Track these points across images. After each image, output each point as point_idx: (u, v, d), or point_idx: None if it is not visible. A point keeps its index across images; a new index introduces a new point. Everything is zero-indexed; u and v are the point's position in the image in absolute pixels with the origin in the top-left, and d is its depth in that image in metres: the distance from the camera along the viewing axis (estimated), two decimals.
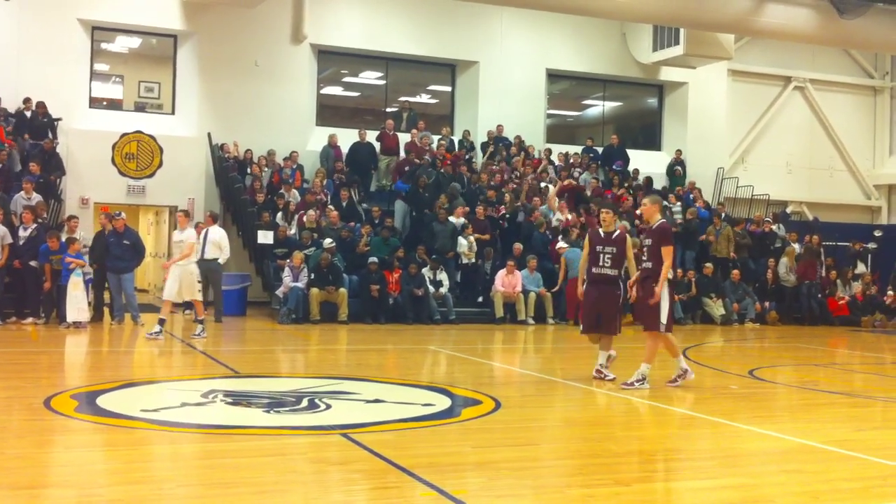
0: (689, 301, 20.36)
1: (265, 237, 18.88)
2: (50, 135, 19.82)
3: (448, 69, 25.52)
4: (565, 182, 22.43)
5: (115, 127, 21.17)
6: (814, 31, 22.77)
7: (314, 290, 17.68)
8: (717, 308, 20.59)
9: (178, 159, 21.46)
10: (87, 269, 16.05)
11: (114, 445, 6.95)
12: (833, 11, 22.08)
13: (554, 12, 22.94)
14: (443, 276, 19.01)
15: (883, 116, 29.71)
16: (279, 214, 19.53)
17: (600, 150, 25.65)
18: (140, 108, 22.59)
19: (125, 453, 6.62)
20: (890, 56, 28.80)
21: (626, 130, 27.49)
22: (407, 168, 21.82)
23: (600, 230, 10.69)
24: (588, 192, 22.58)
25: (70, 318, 15.22)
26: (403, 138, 23.03)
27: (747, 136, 27.94)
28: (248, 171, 21.02)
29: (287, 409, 8.23)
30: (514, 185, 22.30)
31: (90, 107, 21.70)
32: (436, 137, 23.39)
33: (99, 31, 21.90)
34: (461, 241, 19.70)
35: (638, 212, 18.54)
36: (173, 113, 22.38)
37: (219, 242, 17.33)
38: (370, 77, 25.33)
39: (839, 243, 25.40)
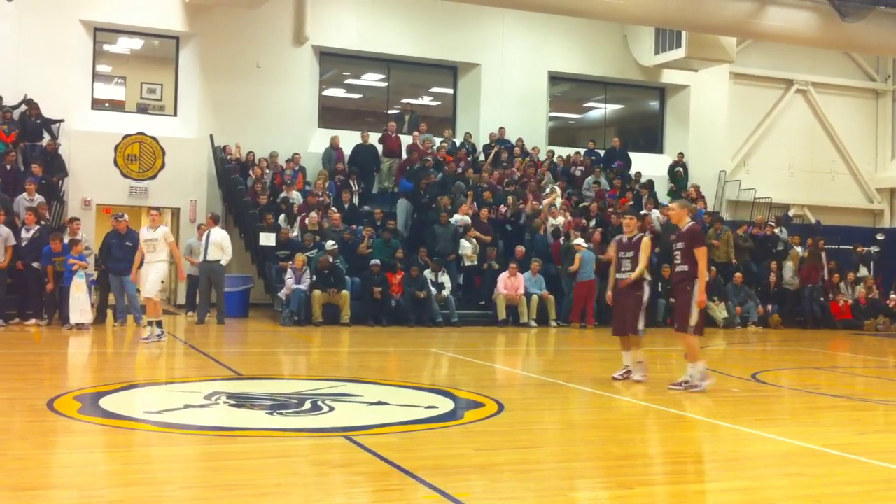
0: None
1: (267, 239, 18.89)
2: (46, 136, 19.82)
3: (450, 71, 25.53)
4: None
5: (118, 128, 21.18)
6: (815, 34, 22.78)
7: (316, 292, 17.68)
8: (719, 311, 20.58)
9: (181, 161, 21.47)
10: (89, 270, 16.05)
11: (116, 447, 6.95)
12: (835, 14, 22.09)
13: (555, 14, 22.96)
14: (445, 279, 19.01)
15: (885, 120, 29.70)
16: (281, 216, 19.53)
17: (602, 152, 25.65)
18: (142, 109, 22.61)
19: (128, 455, 6.63)
20: (892, 59, 28.81)
21: (627, 133, 27.51)
22: (409, 167, 21.84)
23: (624, 237, 10.89)
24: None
25: (73, 319, 15.22)
26: (405, 140, 23.05)
27: (749, 140, 27.94)
28: (250, 172, 21.02)
29: (290, 411, 8.23)
30: (516, 187, 22.25)
31: (92, 108, 21.72)
32: (437, 140, 23.41)
33: (101, 33, 21.92)
34: (464, 243, 19.70)
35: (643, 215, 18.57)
36: (175, 114, 22.40)
37: (221, 244, 17.37)
38: (372, 79, 25.34)
39: (841, 247, 25.38)
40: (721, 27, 22.55)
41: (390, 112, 24.92)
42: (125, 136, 21.06)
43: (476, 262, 19.82)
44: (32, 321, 16.01)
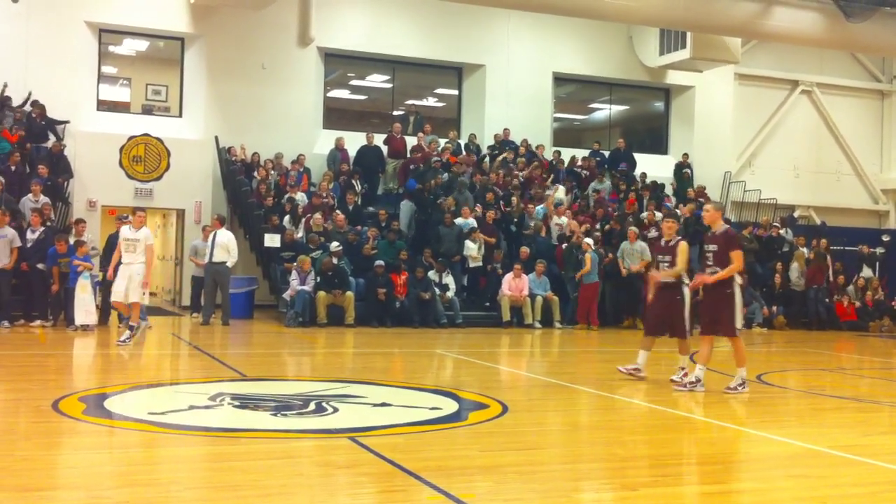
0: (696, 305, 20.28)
1: (272, 240, 18.91)
2: (52, 137, 19.87)
3: (455, 72, 25.53)
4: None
5: (123, 130, 21.18)
6: (820, 34, 22.76)
7: (321, 294, 17.69)
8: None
9: (186, 162, 21.47)
10: (94, 271, 16.07)
11: (121, 448, 6.96)
12: (840, 15, 22.06)
13: (561, 15, 22.95)
14: (449, 280, 19.00)
15: (890, 121, 29.65)
16: (286, 218, 19.55)
17: (607, 153, 25.63)
18: (147, 110, 22.63)
19: (132, 456, 6.64)
20: None
21: (632, 134, 27.48)
22: (413, 167, 21.85)
23: (662, 240, 10.97)
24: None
25: (78, 320, 15.24)
26: (410, 142, 23.06)
27: (754, 140, 27.92)
28: (255, 174, 21.04)
29: (294, 412, 8.23)
30: (520, 192, 22.17)
31: (98, 109, 21.75)
32: (442, 141, 23.41)
33: (106, 34, 21.95)
34: (469, 244, 19.70)
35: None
36: (180, 116, 22.42)
37: (227, 245, 17.39)
38: (377, 80, 25.36)
39: (847, 248, 25.35)
40: (726, 28, 22.53)
41: (395, 113, 24.93)
42: (130, 138, 21.07)
43: (481, 263, 19.81)
44: (38, 322, 16.04)
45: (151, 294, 23.84)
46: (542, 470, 6.43)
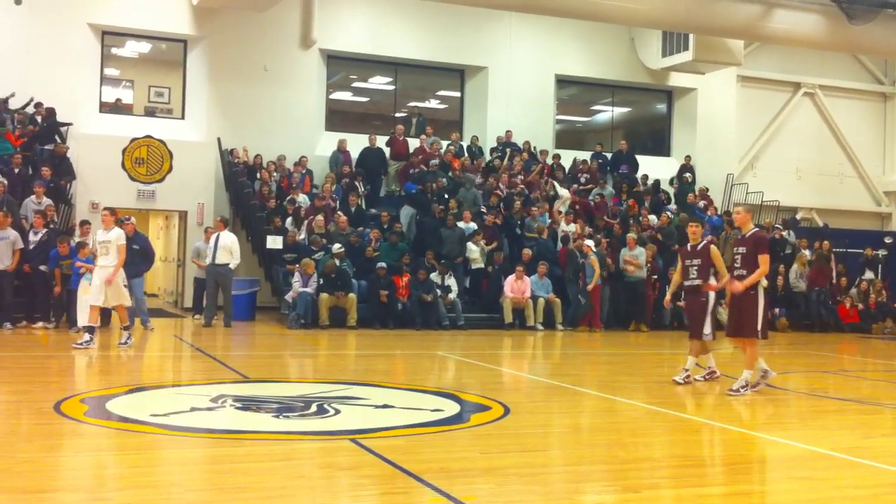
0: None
1: (274, 242, 18.91)
2: (57, 139, 19.89)
3: (457, 74, 25.54)
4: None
5: (125, 131, 21.20)
6: (823, 36, 22.73)
7: (323, 296, 17.69)
8: (726, 314, 20.47)
9: (188, 164, 21.48)
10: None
11: (123, 450, 6.96)
12: (842, 17, 22.04)
13: (562, 17, 22.95)
14: (451, 282, 19.00)
15: (893, 123, 29.63)
16: (289, 220, 19.56)
17: (609, 155, 25.63)
18: (150, 112, 22.66)
19: (134, 458, 6.63)
20: None
21: (635, 136, 27.46)
22: (412, 171, 21.86)
23: (689, 245, 11.11)
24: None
25: (80, 322, 15.21)
26: (413, 143, 23.07)
27: (757, 143, 27.91)
28: (258, 176, 21.06)
29: (296, 414, 8.24)
30: (523, 198, 22.13)
31: (100, 111, 21.79)
32: (445, 143, 23.41)
33: (109, 36, 21.99)
34: (471, 246, 19.69)
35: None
36: (183, 118, 22.45)
37: (230, 247, 17.39)
38: (379, 82, 25.37)
39: (849, 250, 25.33)
40: (729, 30, 22.53)
41: (397, 115, 24.94)
42: (133, 140, 21.08)
43: (483, 265, 19.80)
44: (40, 324, 16.06)
45: (153, 295, 23.97)
46: (543, 472, 6.43)
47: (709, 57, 24.31)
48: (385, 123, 24.49)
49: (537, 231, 20.71)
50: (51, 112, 19.94)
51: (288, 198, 20.23)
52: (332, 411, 8.33)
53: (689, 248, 11.09)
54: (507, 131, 24.34)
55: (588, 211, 22.83)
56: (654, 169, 25.70)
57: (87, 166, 20.55)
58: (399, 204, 21.70)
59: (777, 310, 21.56)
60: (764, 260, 10.08)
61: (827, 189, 28.59)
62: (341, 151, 22.35)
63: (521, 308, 19.10)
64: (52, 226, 17.23)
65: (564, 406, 9.75)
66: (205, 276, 17.91)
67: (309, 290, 17.66)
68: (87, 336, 13.27)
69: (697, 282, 10.82)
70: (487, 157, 24.04)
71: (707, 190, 25.02)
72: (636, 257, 19.81)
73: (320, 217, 19.40)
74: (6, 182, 17.73)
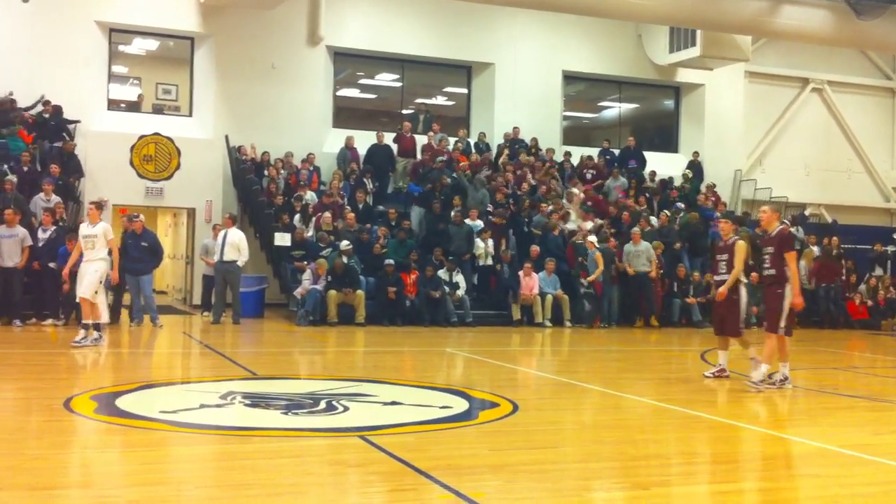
0: (707, 304, 20.25)
1: (282, 239, 18.92)
2: (65, 136, 19.93)
3: (464, 71, 25.52)
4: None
5: (133, 129, 21.22)
6: (831, 32, 22.67)
7: (332, 292, 17.71)
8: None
9: (196, 161, 21.52)
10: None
11: (132, 446, 6.97)
12: (850, 13, 21.98)
13: (569, 14, 22.91)
14: (459, 279, 18.99)
15: None
16: (296, 217, 19.57)
17: (617, 152, 25.58)
18: (157, 110, 22.68)
19: (144, 454, 6.64)
20: None
21: (642, 132, 27.39)
22: (420, 170, 21.85)
23: (720, 241, 11.24)
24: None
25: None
26: (420, 140, 23.06)
27: (765, 139, 27.84)
28: (265, 173, 21.07)
29: (305, 411, 8.24)
30: (531, 199, 22.08)
31: (108, 109, 21.82)
32: (452, 139, 23.40)
33: (116, 34, 22.00)
34: (479, 242, 19.68)
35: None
36: (191, 115, 22.47)
37: (238, 244, 17.42)
38: (386, 79, 25.36)
39: (858, 246, 25.25)
40: (736, 26, 22.47)
41: (405, 112, 24.92)
42: (141, 137, 21.12)
43: (491, 262, 19.78)
44: (49, 321, 16.10)
45: (162, 293, 24.01)
46: (552, 469, 6.42)
47: (716, 53, 24.24)
48: (392, 120, 24.47)
49: (548, 227, 20.61)
50: (57, 109, 20.00)
51: (296, 195, 20.24)
52: (340, 408, 8.33)
53: (720, 243, 11.22)
54: (515, 128, 24.31)
55: (602, 207, 22.78)
56: (662, 165, 25.64)
57: (96, 164, 20.59)
58: (407, 201, 21.69)
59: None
60: (791, 257, 10.15)
61: (835, 185, 28.50)
62: (349, 148, 22.35)
63: (529, 305, 19.09)
64: (60, 223, 17.27)
65: (573, 402, 9.75)
66: (213, 273, 17.95)
67: (317, 287, 17.67)
68: (94, 333, 13.04)
69: (725, 277, 10.84)
70: (495, 152, 24.00)
71: (714, 186, 24.95)
72: (640, 253, 19.76)
73: (328, 214, 19.40)
74: (15, 179, 17.78)
